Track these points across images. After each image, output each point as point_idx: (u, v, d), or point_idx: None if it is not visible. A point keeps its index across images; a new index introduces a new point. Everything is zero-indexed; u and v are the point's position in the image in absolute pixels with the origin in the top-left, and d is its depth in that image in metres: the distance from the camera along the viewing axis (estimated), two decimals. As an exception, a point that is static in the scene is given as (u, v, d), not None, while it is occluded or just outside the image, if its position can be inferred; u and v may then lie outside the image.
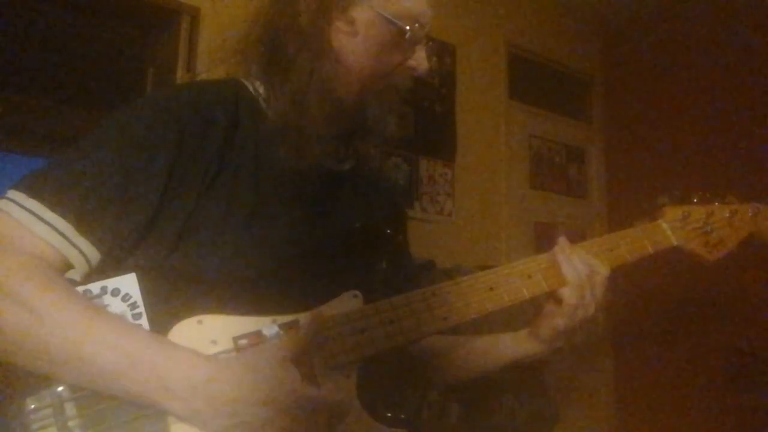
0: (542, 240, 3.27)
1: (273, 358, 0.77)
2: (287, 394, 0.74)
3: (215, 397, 0.72)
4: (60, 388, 0.76)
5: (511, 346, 1.10)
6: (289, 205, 0.96)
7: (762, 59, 2.93)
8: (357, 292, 0.92)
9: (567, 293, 1.01)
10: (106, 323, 0.75)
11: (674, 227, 1.15)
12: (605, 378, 3.44)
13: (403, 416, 0.93)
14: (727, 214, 1.17)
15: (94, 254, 0.81)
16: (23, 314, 0.73)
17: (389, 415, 0.92)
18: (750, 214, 1.18)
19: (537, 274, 1.03)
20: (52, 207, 0.79)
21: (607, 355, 3.46)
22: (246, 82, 1.01)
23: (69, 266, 0.80)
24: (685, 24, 3.28)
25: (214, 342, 0.82)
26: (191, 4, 2.29)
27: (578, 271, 1.01)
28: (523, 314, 1.18)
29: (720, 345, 2.93)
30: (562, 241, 1.05)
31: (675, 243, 1.14)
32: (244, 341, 0.83)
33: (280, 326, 0.85)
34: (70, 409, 0.75)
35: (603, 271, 1.03)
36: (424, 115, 2.88)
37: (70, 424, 0.75)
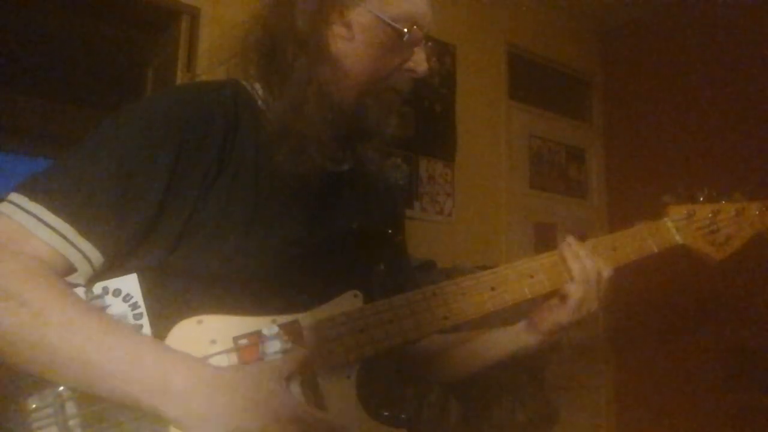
0: (542, 240, 3.27)
1: (272, 375, 0.79)
2: (286, 407, 0.76)
3: (212, 401, 0.73)
4: (61, 387, 0.76)
5: (509, 339, 1.10)
6: (288, 205, 0.96)
7: (762, 58, 2.93)
8: (357, 292, 0.92)
9: (573, 289, 1.01)
10: (105, 326, 0.75)
11: (679, 226, 1.13)
12: (605, 378, 3.44)
13: (403, 416, 0.93)
14: (734, 213, 1.15)
15: (96, 256, 0.81)
16: (24, 316, 0.73)
17: (389, 414, 0.92)
18: (757, 212, 1.16)
19: (539, 274, 1.03)
20: (54, 210, 0.79)
21: (607, 355, 3.46)
22: (246, 84, 1.01)
23: (72, 269, 0.80)
24: (685, 24, 3.28)
25: (213, 342, 0.82)
26: (191, 4, 2.29)
27: (586, 266, 1.02)
28: (523, 313, 1.18)
29: (720, 344, 2.93)
30: (570, 239, 1.06)
31: (680, 242, 1.13)
32: (243, 341, 0.83)
33: (280, 326, 0.85)
34: (70, 408, 0.76)
35: (606, 270, 1.04)
36: (424, 115, 2.88)
37: (71, 423, 0.75)
